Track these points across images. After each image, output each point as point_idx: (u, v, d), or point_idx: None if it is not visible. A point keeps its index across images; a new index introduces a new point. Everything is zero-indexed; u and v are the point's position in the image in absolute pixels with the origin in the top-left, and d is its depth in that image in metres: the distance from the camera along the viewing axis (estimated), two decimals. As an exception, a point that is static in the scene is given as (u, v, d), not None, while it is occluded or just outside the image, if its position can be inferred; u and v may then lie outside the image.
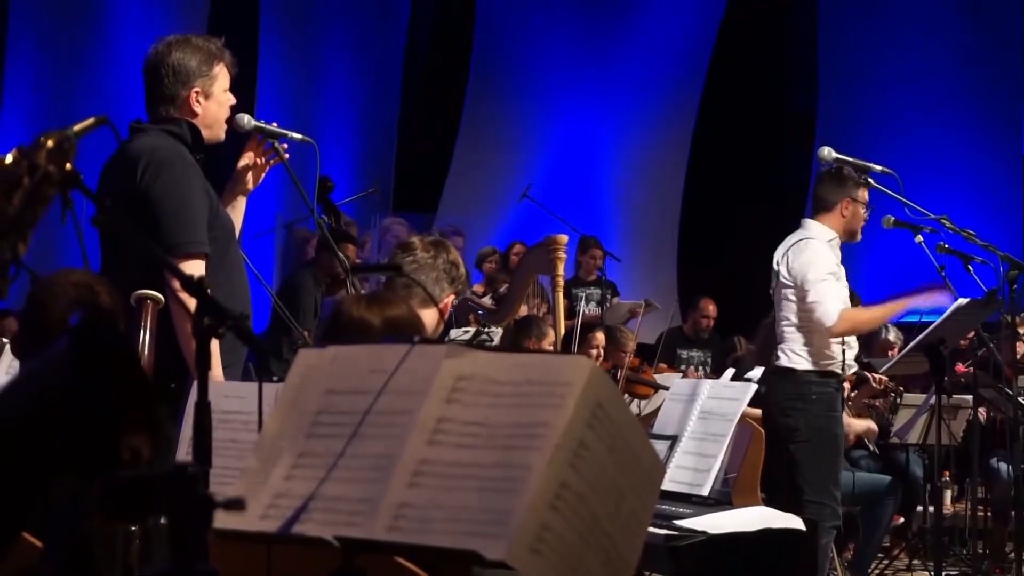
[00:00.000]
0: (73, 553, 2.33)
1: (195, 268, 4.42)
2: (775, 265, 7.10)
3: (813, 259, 6.95)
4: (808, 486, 6.88)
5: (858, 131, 13.97)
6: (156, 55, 4.82)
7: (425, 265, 4.57)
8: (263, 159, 4.95)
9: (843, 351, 7.02)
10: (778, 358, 7.04)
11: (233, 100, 4.89)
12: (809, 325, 6.93)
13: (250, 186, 5.01)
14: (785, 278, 7.01)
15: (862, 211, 7.09)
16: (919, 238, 7.07)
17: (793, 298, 6.98)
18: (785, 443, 6.87)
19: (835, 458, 7.03)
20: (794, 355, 6.98)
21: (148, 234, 4.34)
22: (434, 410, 2.48)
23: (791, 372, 6.97)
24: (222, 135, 4.88)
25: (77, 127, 2.33)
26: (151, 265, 4.32)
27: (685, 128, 15.21)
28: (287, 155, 4.94)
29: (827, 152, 7.02)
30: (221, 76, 4.84)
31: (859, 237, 7.18)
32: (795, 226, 7.19)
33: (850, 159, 7.06)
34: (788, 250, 7.03)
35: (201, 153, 4.79)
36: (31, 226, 2.19)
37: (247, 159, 4.97)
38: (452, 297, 4.63)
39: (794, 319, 6.99)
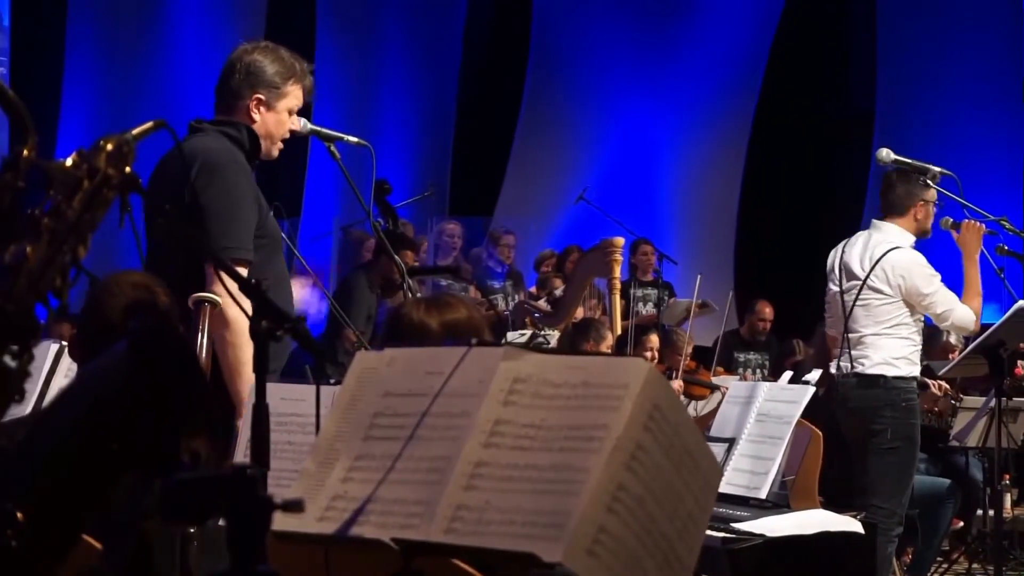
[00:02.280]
0: (132, 554, 2.34)
1: None
2: (855, 269, 6.92)
3: (920, 269, 6.85)
4: (882, 492, 6.76)
5: (917, 132, 13.86)
6: (237, 52, 4.75)
7: None
8: None
9: (920, 355, 6.95)
10: (860, 364, 6.84)
11: (296, 127, 4.79)
12: (894, 331, 6.80)
13: None
14: (878, 285, 6.84)
15: (932, 210, 7.02)
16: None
17: (886, 304, 6.82)
18: (865, 449, 6.78)
19: (913, 465, 6.94)
20: (882, 362, 6.81)
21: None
22: (491, 412, 2.48)
23: (879, 379, 6.81)
24: (274, 153, 4.78)
25: (136, 131, 2.34)
26: (198, 268, 4.35)
27: (742, 129, 15.14)
28: (338, 153, 4.90)
29: (886, 154, 6.93)
30: (292, 96, 4.74)
31: (930, 233, 7.09)
32: (852, 227, 7.10)
33: (909, 160, 6.98)
34: (881, 258, 6.83)
35: (256, 161, 4.73)
36: (91, 229, 2.20)
37: None
38: None
39: (883, 325, 6.82)
